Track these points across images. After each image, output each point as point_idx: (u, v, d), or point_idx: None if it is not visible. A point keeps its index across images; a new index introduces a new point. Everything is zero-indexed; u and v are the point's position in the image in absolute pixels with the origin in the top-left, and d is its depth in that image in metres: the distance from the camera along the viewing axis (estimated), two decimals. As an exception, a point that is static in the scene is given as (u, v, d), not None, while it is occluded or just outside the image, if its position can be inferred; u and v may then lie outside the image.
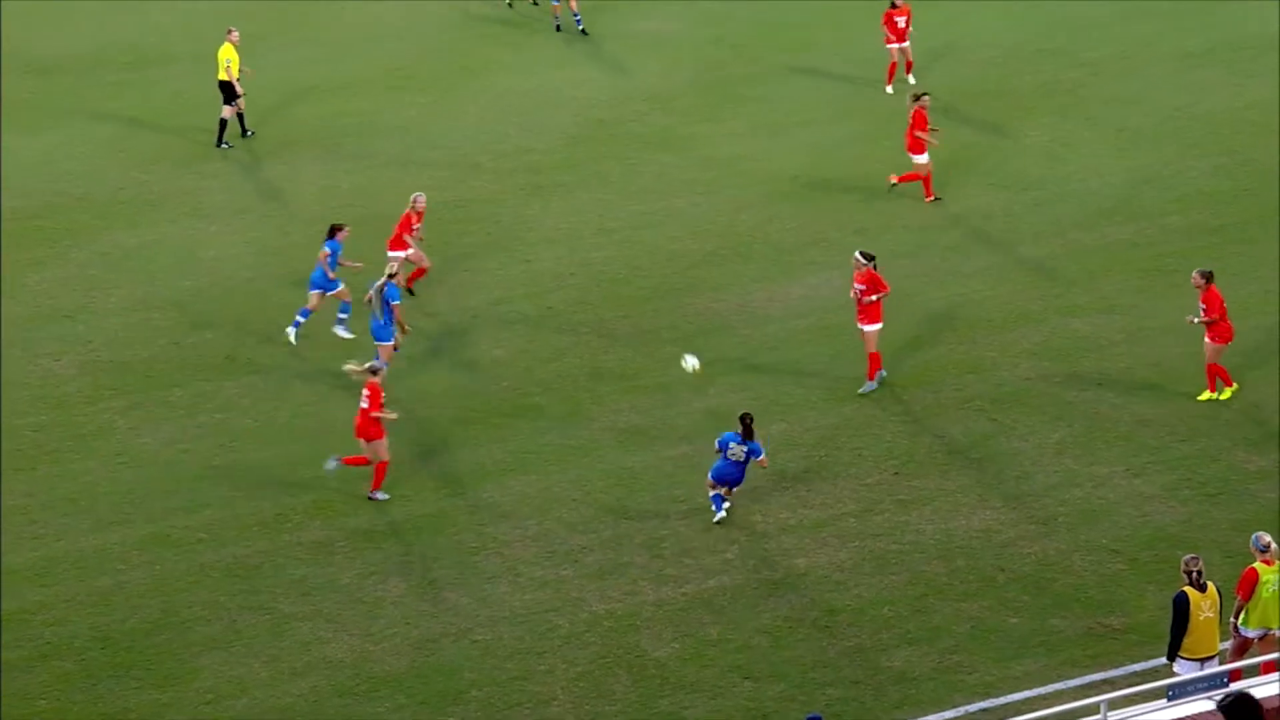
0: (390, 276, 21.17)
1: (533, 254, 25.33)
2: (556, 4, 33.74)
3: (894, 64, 30.34)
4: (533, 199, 27.08)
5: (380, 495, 19.31)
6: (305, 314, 22.44)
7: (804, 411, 21.06)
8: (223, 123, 28.45)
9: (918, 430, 20.60)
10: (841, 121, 29.71)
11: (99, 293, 23.90)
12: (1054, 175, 27.62)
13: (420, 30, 34.04)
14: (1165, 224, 25.86)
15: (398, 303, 21.11)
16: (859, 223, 26.12)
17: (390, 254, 23.14)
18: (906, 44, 30.30)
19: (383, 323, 20.97)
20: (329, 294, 22.46)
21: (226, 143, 28.47)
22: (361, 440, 19.19)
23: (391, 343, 21.17)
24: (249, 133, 28.76)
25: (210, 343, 22.71)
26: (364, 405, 19.09)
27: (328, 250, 22.36)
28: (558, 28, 33.62)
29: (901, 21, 30.14)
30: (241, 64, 28.30)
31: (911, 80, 30.19)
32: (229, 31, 28.69)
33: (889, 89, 30.38)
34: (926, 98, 26.32)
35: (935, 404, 21.15)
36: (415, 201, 23.57)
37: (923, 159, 26.20)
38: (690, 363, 19.93)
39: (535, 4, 34.92)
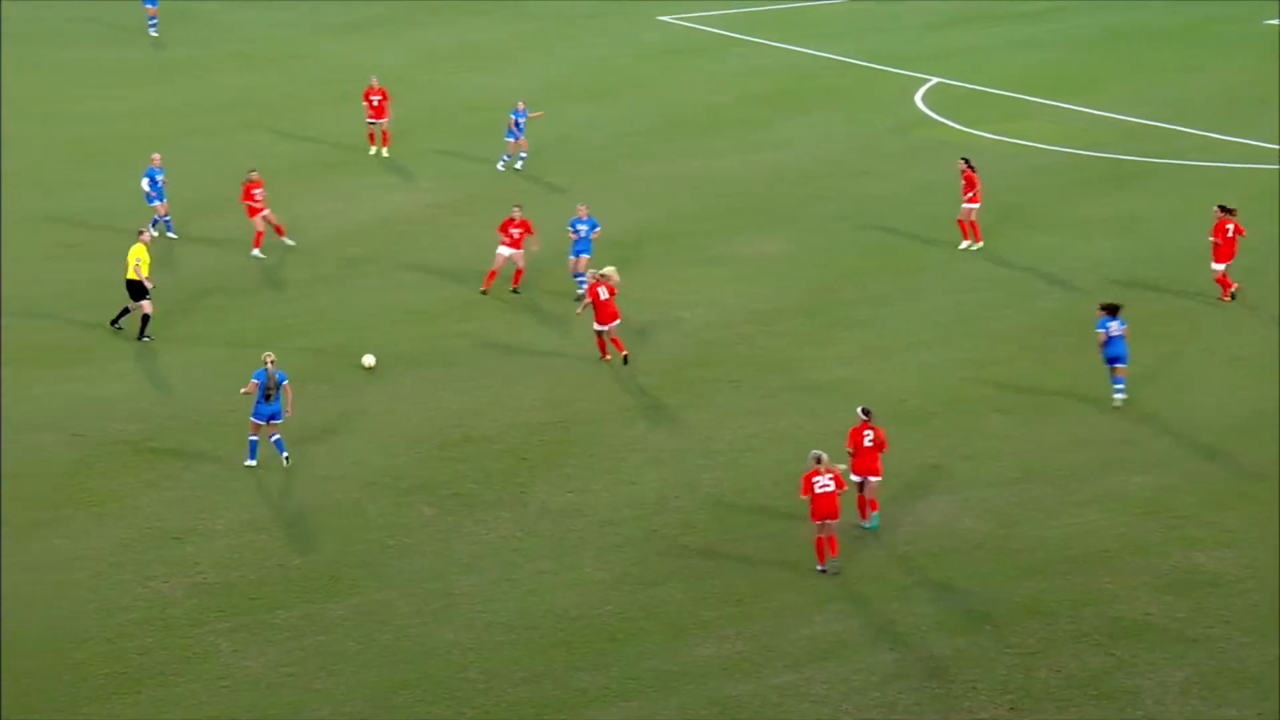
0: None
1: (637, 475, 25.58)
2: None
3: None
4: (637, 420, 27.43)
5: None
6: None
7: (913, 641, 20.97)
8: (145, 317, 30.25)
9: (1032, 664, 20.41)
10: (948, 345, 29.95)
11: (208, 514, 24.40)
12: (1171, 403, 27.55)
13: (523, 254, 34.84)
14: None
15: None
16: (969, 448, 26.19)
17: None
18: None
19: None
20: None
21: (147, 336, 30.30)
22: None
23: None
24: (146, 337, 30.34)
25: (314, 564, 23.06)
26: None
27: None
28: None
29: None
30: (151, 266, 30.19)
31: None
32: (140, 233, 30.86)
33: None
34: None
35: (1050, 636, 20.98)
36: None
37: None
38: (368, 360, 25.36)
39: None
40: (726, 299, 32.42)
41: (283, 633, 21.35)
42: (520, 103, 40.14)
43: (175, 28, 55.13)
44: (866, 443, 23.71)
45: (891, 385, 28.09)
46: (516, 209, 28.90)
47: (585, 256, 32.12)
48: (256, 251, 34.64)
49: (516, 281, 29.39)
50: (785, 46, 51.97)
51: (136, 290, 30.17)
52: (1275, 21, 52.78)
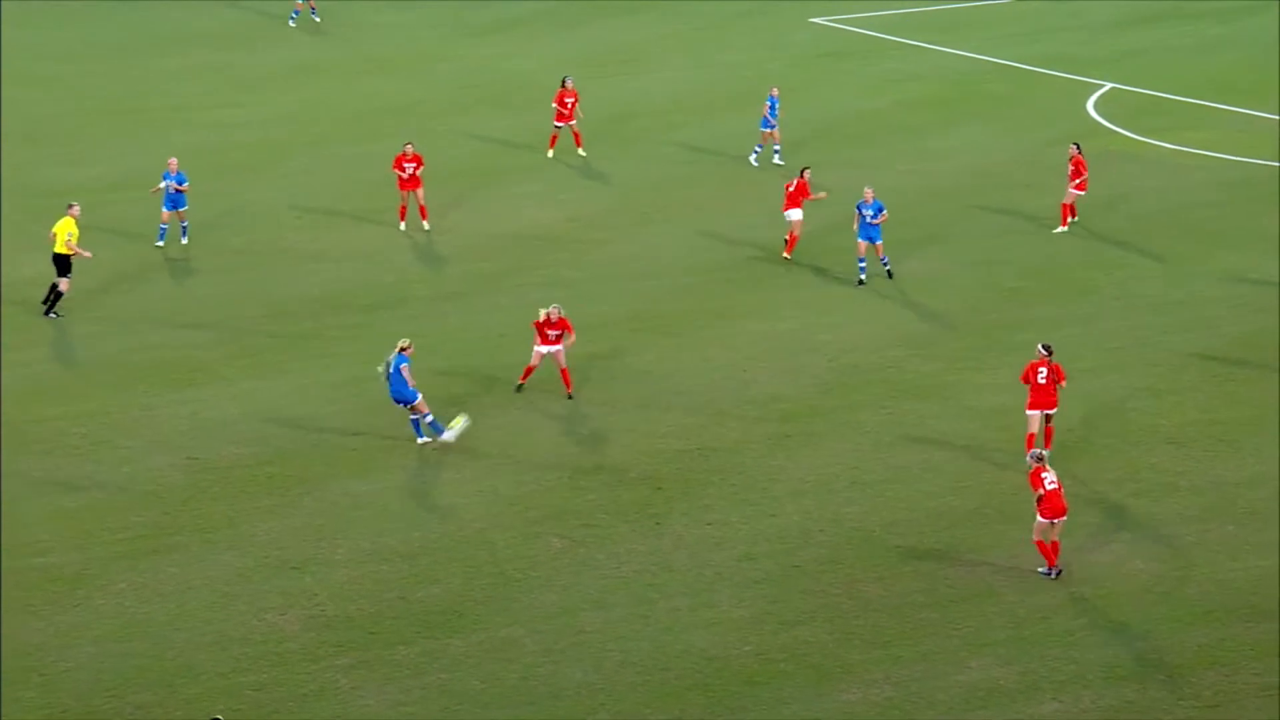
0: None
1: (778, 508, 25.52)
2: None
3: None
4: (779, 449, 27.36)
5: None
6: None
7: (1078, 690, 20.67)
8: (57, 294, 31.95)
9: (1210, 717, 20.01)
10: (1120, 372, 29.52)
11: (326, 543, 24.71)
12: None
13: (664, 273, 34.95)
14: None
15: None
16: (1140, 483, 25.77)
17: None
18: None
19: None
20: None
21: (56, 313, 31.99)
22: None
23: None
24: (55, 314, 32.01)
25: (437, 597, 23.27)
26: None
27: None
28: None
29: None
30: (81, 238, 31.91)
31: None
32: (70, 206, 32.37)
33: None
34: None
35: (1230, 689, 20.63)
36: None
37: None
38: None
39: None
40: (876, 319, 32.24)
41: (403, 670, 21.57)
42: (774, 89, 40.44)
43: (305, 30, 56.12)
44: (1041, 379, 25.80)
45: (1059, 416, 27.70)
46: (555, 308, 28.37)
47: (878, 243, 33.28)
48: (402, 225, 36.78)
49: (568, 386, 28.87)
50: (945, 50, 51.65)
51: (62, 264, 32.07)
52: None
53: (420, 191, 36.70)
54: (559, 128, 41.44)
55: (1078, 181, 35.48)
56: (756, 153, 40.50)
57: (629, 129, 44.52)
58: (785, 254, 34.55)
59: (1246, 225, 36.09)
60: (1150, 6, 56.25)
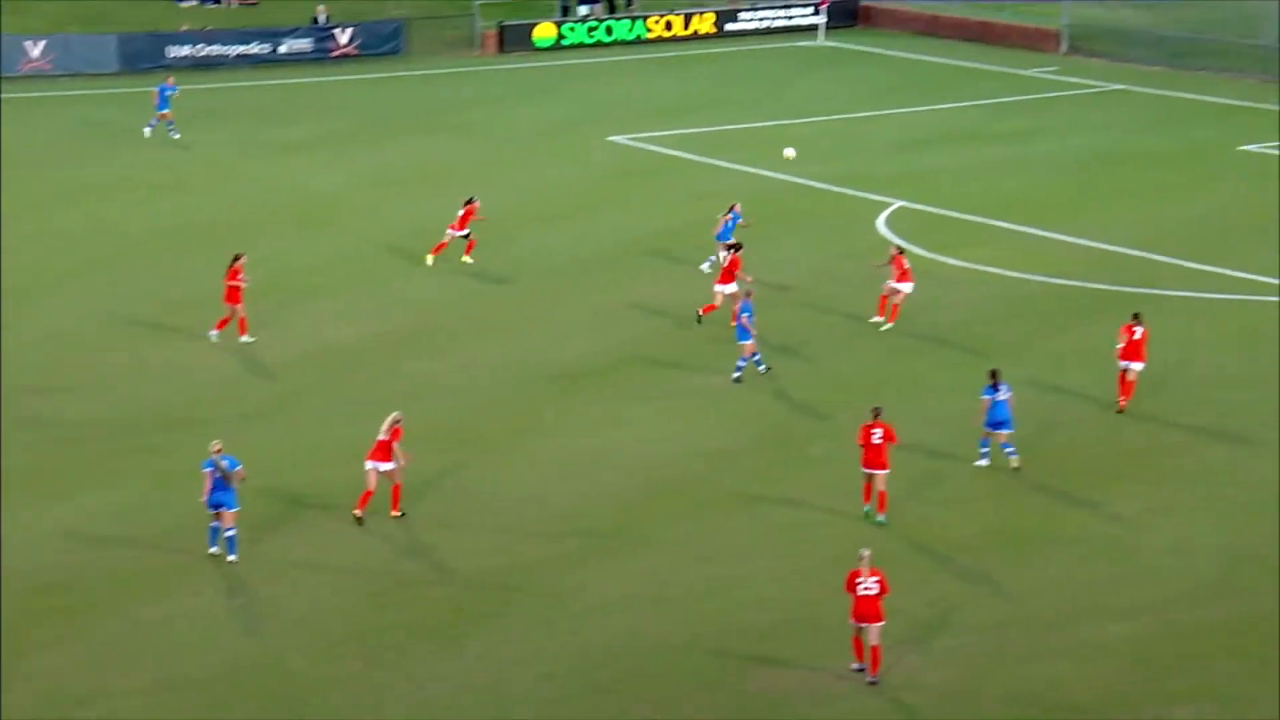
0: None
1: (580, 626, 25.31)
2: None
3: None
4: (581, 566, 27.20)
5: None
6: None
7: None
8: None
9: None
10: (914, 483, 29.88)
11: (114, 674, 23.87)
12: (1146, 547, 27.57)
13: (466, 390, 34.75)
14: (1269, 606, 25.63)
15: None
16: (934, 593, 26.04)
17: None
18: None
19: None
20: None
21: None
22: None
23: None
24: None
25: (233, 722, 22.62)
26: None
27: None
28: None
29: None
30: None
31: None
32: None
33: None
34: None
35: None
36: None
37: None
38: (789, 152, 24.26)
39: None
40: (680, 433, 32.33)
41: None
42: (737, 204, 41.28)
43: (100, 145, 55.26)
44: (875, 440, 27.62)
45: (858, 529, 27.97)
46: (395, 416, 27.88)
47: (745, 343, 34.40)
48: (214, 334, 36.50)
49: (394, 506, 28.45)
50: (741, 169, 52.43)
51: None
52: (1253, 147, 53.55)
53: (242, 305, 36.45)
54: (454, 235, 41.95)
55: (900, 274, 36.83)
56: (711, 262, 41.10)
57: (429, 246, 44.40)
58: (702, 310, 36.02)
59: (1027, 341, 36.89)
60: (937, 129, 57.74)
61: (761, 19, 75.58)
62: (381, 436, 28.31)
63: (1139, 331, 32.76)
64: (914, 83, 65.55)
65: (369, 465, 28.22)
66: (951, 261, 41.65)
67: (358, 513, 28.19)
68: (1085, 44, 69.78)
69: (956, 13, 74.63)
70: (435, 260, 41.99)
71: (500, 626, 25.21)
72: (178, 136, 54.95)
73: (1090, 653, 24.34)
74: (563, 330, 38.19)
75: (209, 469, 26.77)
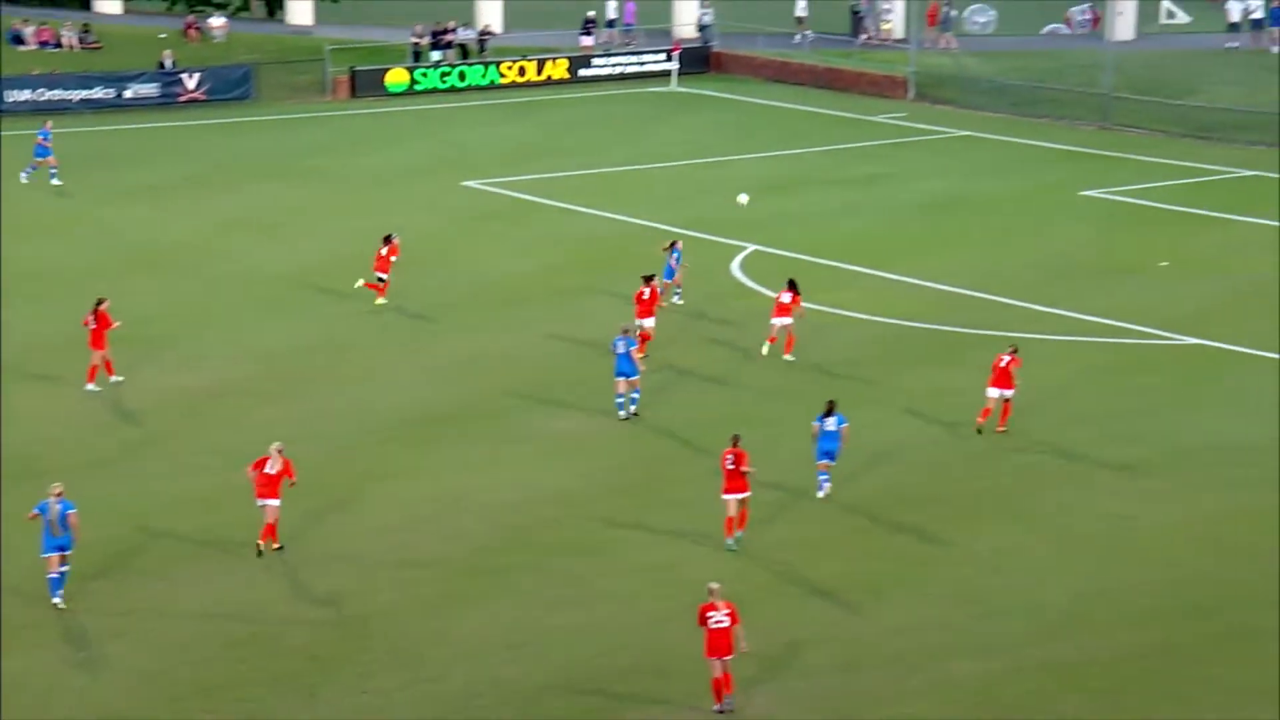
0: None
1: (438, 672, 25.12)
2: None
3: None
4: (438, 612, 26.99)
5: None
6: None
7: None
8: None
9: None
10: (771, 524, 30.03)
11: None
12: (995, 586, 27.93)
13: (320, 437, 34.41)
14: (1115, 642, 26.08)
15: None
16: (790, 635, 26.17)
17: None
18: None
19: None
20: None
21: None
22: None
23: None
24: None
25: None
26: None
27: None
28: None
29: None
30: None
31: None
32: None
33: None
34: None
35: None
36: None
37: None
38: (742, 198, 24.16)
39: None
40: (533, 479, 32.25)
41: None
42: (679, 242, 42.29)
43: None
44: (729, 465, 28.45)
45: (710, 571, 27.99)
46: (277, 447, 28.20)
47: (634, 378, 34.71)
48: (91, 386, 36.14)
49: (274, 537, 28.58)
50: (594, 213, 52.57)
51: None
52: (1093, 192, 54.69)
53: (106, 348, 36.10)
54: (381, 279, 42.21)
55: (792, 302, 37.94)
56: (676, 293, 42.09)
57: (281, 292, 44.00)
58: (638, 352, 35.66)
59: (877, 382, 37.26)
60: (789, 174, 58.34)
61: (615, 65, 75.97)
62: (270, 471, 28.29)
63: (1005, 359, 33.78)
64: (766, 128, 66.22)
65: (260, 503, 28.39)
66: (805, 305, 42.01)
67: (260, 544, 28.37)
68: (932, 91, 70.93)
69: (806, 59, 75.54)
70: (383, 300, 42.23)
71: (356, 674, 24.93)
72: (58, 183, 54.10)
73: (943, 692, 24.57)
74: (417, 375, 37.98)
75: (41, 513, 26.29)
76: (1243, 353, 38.73)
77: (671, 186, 56.84)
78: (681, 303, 41.97)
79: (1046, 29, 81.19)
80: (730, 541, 28.80)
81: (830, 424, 30.53)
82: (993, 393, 33.75)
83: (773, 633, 26.18)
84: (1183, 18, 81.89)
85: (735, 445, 28.87)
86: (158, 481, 31.82)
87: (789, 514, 30.62)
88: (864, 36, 78.22)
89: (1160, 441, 33.83)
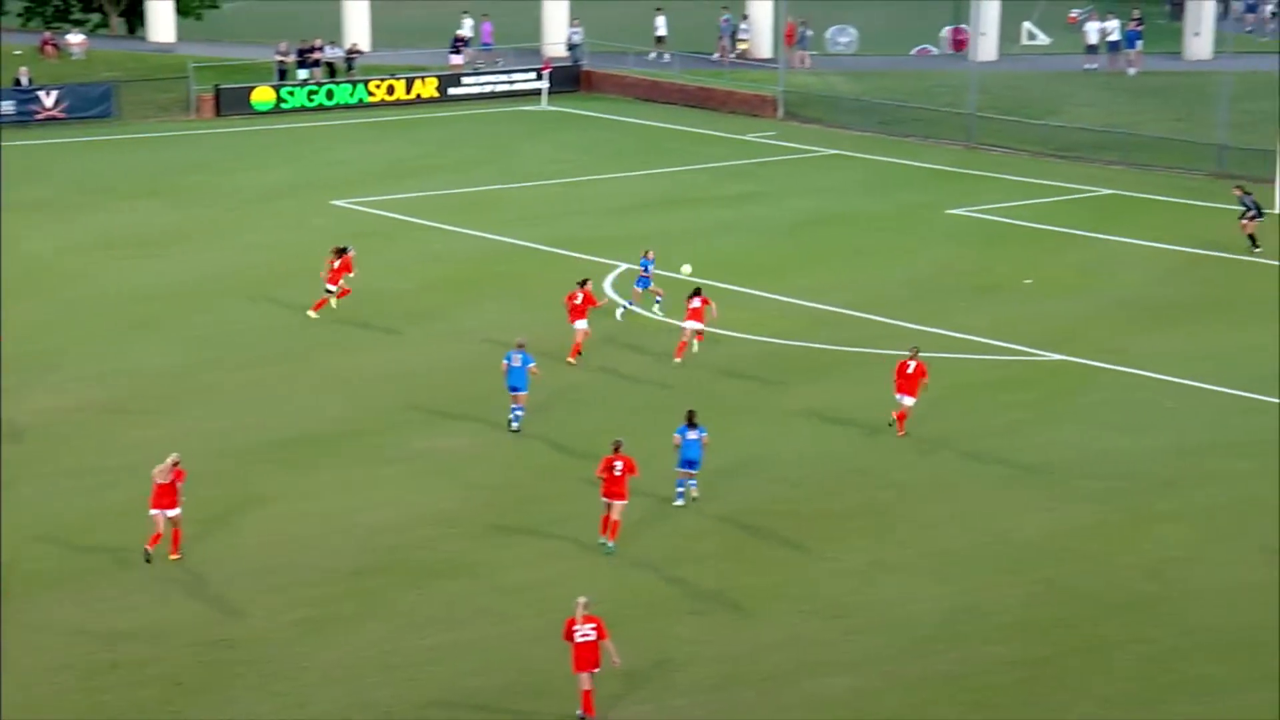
0: None
1: (308, 697, 24.82)
2: None
3: None
4: (308, 635, 26.68)
5: None
6: None
7: None
8: None
9: None
10: (638, 541, 30.01)
11: None
12: (868, 601, 28.12)
13: (190, 458, 33.87)
14: (986, 654, 26.35)
15: None
16: (664, 654, 26.15)
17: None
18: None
19: None
20: None
21: None
22: None
23: None
24: None
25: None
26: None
27: None
28: None
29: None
30: None
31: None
32: None
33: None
34: None
35: None
36: None
37: None
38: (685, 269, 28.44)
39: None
40: (406, 500, 32.00)
41: None
42: (650, 251, 42.76)
43: None
44: (616, 471, 28.48)
45: (585, 588, 27.89)
46: (174, 458, 28.04)
47: (523, 393, 34.94)
48: None
49: (174, 549, 28.50)
50: (465, 231, 52.37)
51: None
52: (960, 211, 55.38)
53: None
54: (329, 290, 42.39)
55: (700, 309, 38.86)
56: (625, 307, 42.53)
57: (146, 313, 43.37)
58: (570, 359, 37.47)
59: (752, 400, 37.44)
60: (661, 193, 58.50)
61: (484, 84, 75.79)
62: (161, 481, 28.10)
63: (912, 366, 34.52)
64: (637, 147, 66.37)
65: (154, 512, 28.25)
66: (675, 322, 42.11)
67: (149, 548, 28.28)
68: (801, 110, 71.52)
69: (677, 79, 75.84)
70: (318, 314, 42.43)
71: (222, 702, 24.55)
72: None
73: (816, 707, 24.67)
74: (289, 396, 37.59)
75: None
76: (1105, 368, 39.36)
77: (543, 205, 56.78)
78: (661, 315, 42.32)
79: (915, 50, 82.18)
80: (610, 545, 29.27)
81: (692, 435, 30.90)
82: (906, 400, 34.65)
83: (646, 649, 26.15)
84: (1043, 39, 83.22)
85: (618, 451, 29.17)
86: (25, 504, 31.15)
87: (663, 527, 30.63)
88: (719, 55, 78.50)
89: (1028, 456, 34.26)
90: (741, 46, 79.38)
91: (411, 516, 31.20)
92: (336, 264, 42.82)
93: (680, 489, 31.28)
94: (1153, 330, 41.96)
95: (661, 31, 79.58)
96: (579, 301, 39.07)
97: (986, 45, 76.46)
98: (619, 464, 29.01)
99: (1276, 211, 52.70)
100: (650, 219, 54.15)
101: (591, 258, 49.05)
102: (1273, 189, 53.56)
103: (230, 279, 46.50)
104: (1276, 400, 37.00)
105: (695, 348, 39.48)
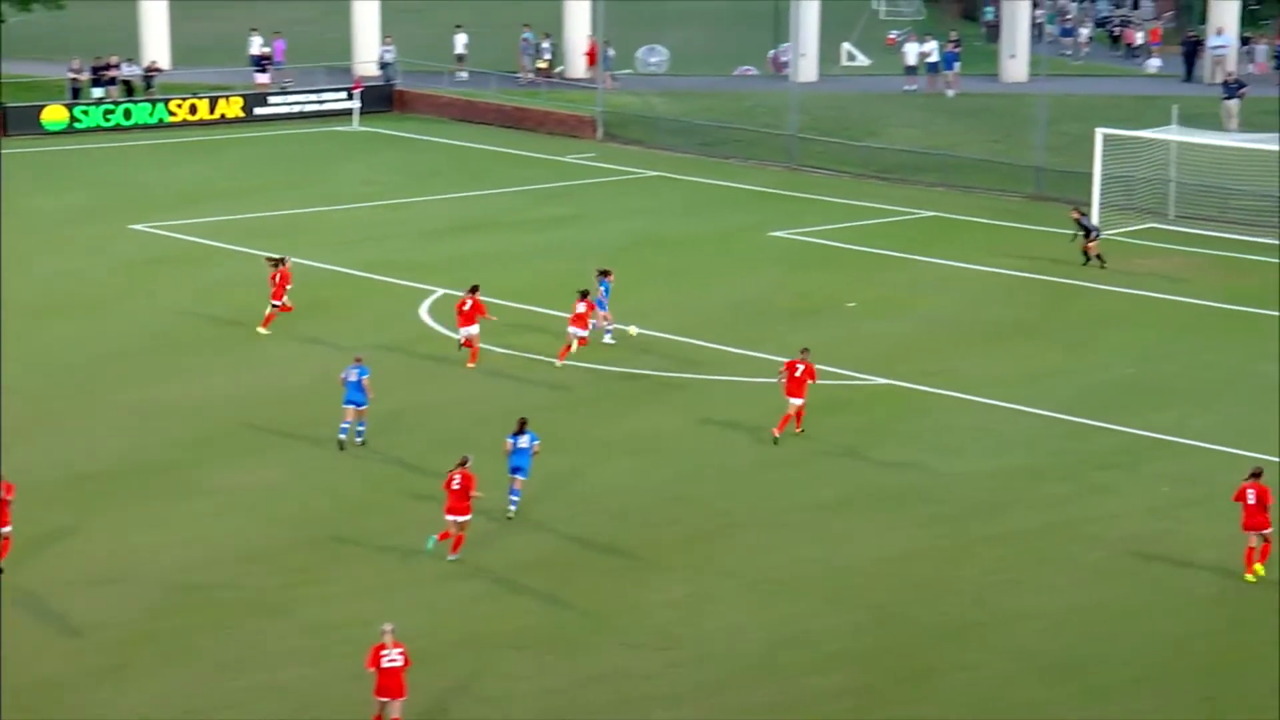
0: None
1: (111, 745, 24.30)
2: None
3: None
4: (106, 682, 26.12)
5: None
6: None
7: None
8: None
9: None
10: (460, 579, 29.84)
11: None
12: (692, 633, 28.23)
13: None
14: (811, 685, 26.59)
15: None
16: (484, 690, 26.01)
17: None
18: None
19: None
20: None
21: None
22: None
23: None
24: None
25: None
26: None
27: None
28: None
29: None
30: None
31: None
32: None
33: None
34: None
35: None
36: None
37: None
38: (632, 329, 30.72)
39: None
40: (213, 536, 31.49)
41: None
42: (610, 273, 42.91)
43: None
44: (455, 486, 29.86)
45: (401, 623, 27.65)
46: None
47: (363, 408, 35.62)
48: None
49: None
50: (277, 257, 51.69)
51: None
52: (781, 233, 56.00)
53: None
54: (274, 305, 42.59)
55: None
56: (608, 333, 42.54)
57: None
58: (470, 364, 39.54)
59: (572, 429, 37.42)
60: (478, 216, 58.35)
61: (292, 103, 75.07)
62: None
63: (800, 368, 35.96)
64: (453, 168, 66.19)
65: None
66: (498, 350, 42.05)
67: None
68: (621, 131, 71.86)
69: (493, 98, 75.79)
70: (268, 329, 42.85)
71: (19, 751, 23.94)
72: None
73: (641, 742, 24.69)
74: (85, 429, 36.81)
75: None
76: (929, 392, 39.99)
77: (356, 228, 56.35)
78: (613, 342, 42.54)
79: (737, 70, 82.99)
80: (451, 555, 30.08)
81: (523, 441, 31.70)
82: (795, 401, 36.04)
83: (466, 687, 25.99)
84: (863, 60, 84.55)
85: (462, 467, 30.00)
86: None
87: (484, 557, 30.48)
88: (523, 75, 78.57)
89: (852, 481, 34.68)
90: (541, 65, 79.40)
91: (217, 554, 30.71)
92: (277, 277, 43.04)
93: (514, 497, 31.87)
94: (974, 353, 42.76)
95: (461, 50, 79.48)
96: (468, 308, 40.31)
97: (807, 66, 77.46)
98: (457, 478, 29.87)
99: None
100: (468, 243, 54.00)
101: (407, 283, 48.79)
102: (1089, 211, 54.89)
103: (25, 308, 45.43)
104: (1089, 422, 37.87)
105: (575, 347, 40.99)
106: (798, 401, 36.10)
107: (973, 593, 29.75)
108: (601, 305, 42.59)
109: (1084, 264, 50.27)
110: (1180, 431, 37.22)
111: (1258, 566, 29.83)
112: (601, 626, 28.29)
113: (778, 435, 35.96)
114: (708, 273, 51.35)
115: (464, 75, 78.33)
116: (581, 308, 40.80)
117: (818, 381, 36.53)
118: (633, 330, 42.77)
